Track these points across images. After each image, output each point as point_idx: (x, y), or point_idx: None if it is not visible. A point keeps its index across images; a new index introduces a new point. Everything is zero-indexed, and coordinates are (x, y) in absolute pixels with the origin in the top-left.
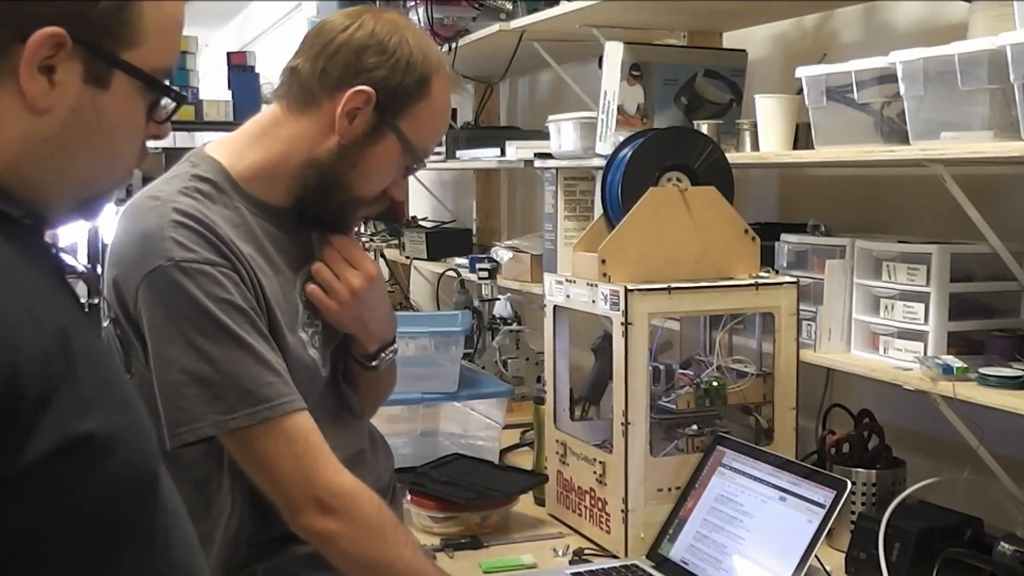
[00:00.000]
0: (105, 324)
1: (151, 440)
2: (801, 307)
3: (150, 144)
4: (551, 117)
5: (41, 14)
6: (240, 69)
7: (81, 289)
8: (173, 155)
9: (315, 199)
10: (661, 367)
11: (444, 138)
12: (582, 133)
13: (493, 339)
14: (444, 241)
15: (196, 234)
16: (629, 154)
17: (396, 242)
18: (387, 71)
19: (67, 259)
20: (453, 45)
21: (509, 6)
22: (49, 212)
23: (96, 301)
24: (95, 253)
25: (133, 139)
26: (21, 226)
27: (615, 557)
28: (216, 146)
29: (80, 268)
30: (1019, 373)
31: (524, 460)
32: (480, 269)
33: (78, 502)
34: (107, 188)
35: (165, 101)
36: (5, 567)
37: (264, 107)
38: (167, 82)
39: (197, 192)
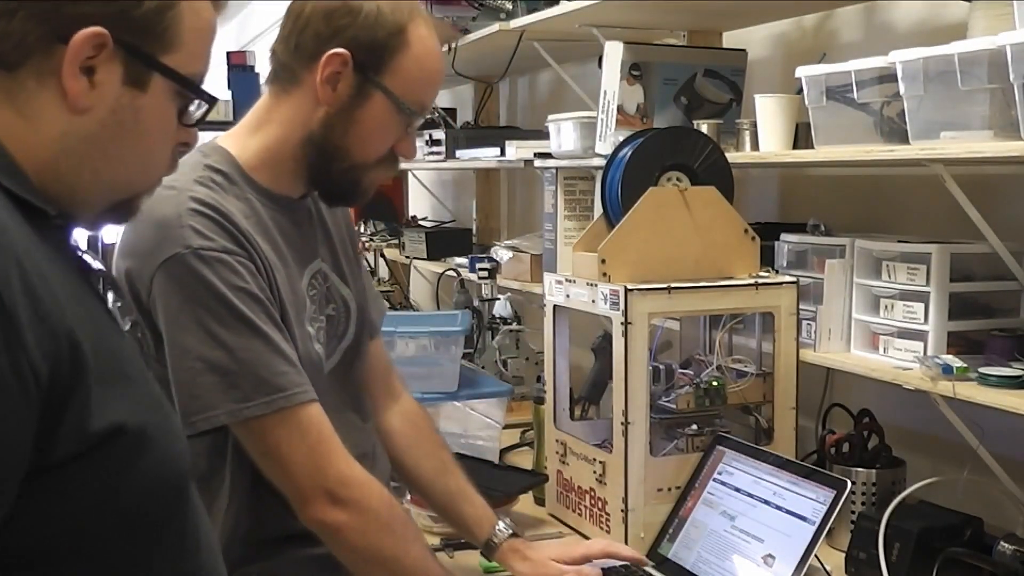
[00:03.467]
0: (127, 326)
1: (181, 440)
2: (801, 307)
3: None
4: (551, 117)
5: (84, 14)
6: (240, 69)
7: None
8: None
9: (320, 174)
10: (661, 367)
11: (444, 137)
12: (582, 133)
13: (493, 339)
14: (444, 241)
15: (213, 223)
16: (629, 154)
17: (396, 242)
18: (357, 30)
19: (90, 260)
20: (453, 45)
21: (509, 6)
22: (81, 213)
23: (120, 303)
24: (95, 253)
25: (166, 142)
26: (53, 226)
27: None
28: (225, 138)
29: (102, 269)
30: (1019, 373)
31: (524, 460)
32: (480, 269)
33: (116, 497)
34: (140, 191)
35: (195, 106)
36: (44, 561)
37: None
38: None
39: (211, 182)
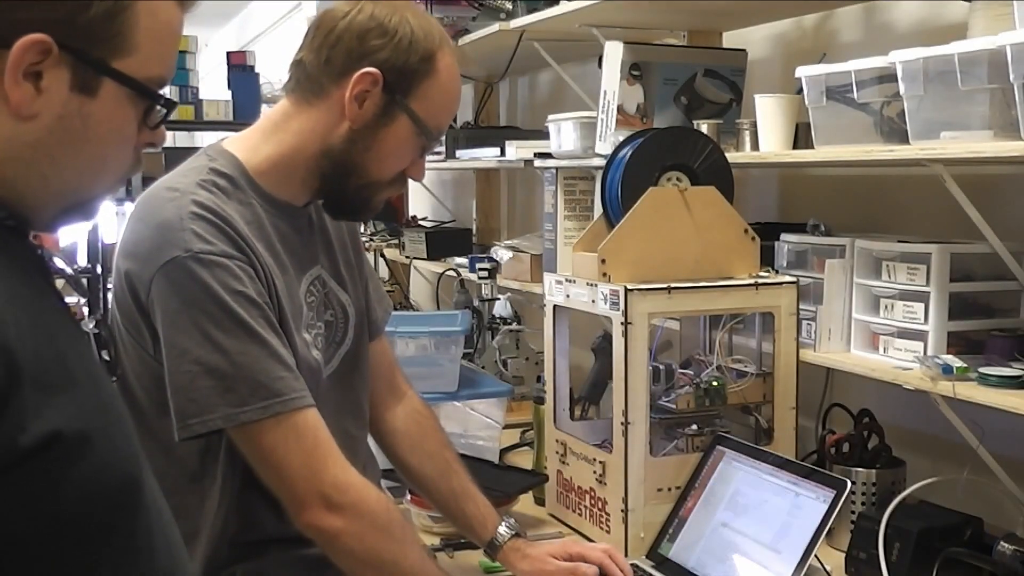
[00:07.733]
0: (92, 325)
1: (130, 443)
2: (801, 307)
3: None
4: (551, 117)
5: (28, 20)
6: (240, 69)
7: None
8: (173, 155)
9: (333, 187)
10: (661, 367)
11: (444, 138)
12: (582, 133)
13: (493, 339)
14: (444, 241)
15: (214, 227)
16: (629, 154)
17: (396, 242)
18: (391, 52)
19: (56, 262)
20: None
21: (509, 6)
22: (34, 215)
23: (85, 301)
24: (94, 253)
25: (123, 146)
26: (4, 227)
27: None
28: (233, 141)
29: (68, 271)
30: (1019, 373)
31: (524, 460)
32: (480, 269)
33: (54, 504)
34: (96, 194)
35: (159, 107)
36: None
37: (264, 107)
38: (163, 90)
39: (214, 186)
